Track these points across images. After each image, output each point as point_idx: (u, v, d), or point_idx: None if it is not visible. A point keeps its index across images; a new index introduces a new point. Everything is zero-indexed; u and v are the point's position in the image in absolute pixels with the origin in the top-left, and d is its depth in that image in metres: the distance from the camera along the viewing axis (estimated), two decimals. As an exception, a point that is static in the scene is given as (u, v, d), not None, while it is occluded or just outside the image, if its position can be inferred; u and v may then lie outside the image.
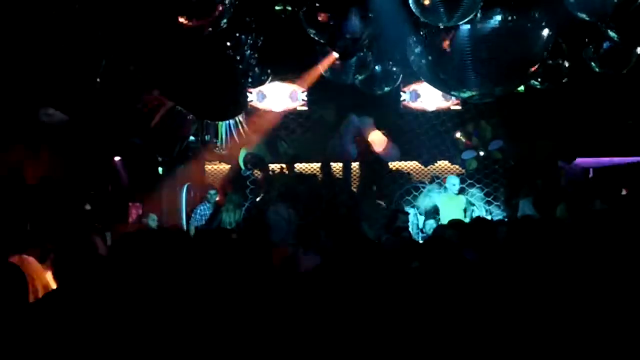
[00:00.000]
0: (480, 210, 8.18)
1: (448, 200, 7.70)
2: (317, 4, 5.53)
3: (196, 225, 8.03)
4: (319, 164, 8.95)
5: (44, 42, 5.36)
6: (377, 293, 2.25)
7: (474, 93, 5.57)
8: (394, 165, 9.05)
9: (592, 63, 6.47)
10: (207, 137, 7.89)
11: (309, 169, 9.11)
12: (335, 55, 6.45)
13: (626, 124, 8.10)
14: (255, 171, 8.74)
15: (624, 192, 7.69)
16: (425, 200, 7.97)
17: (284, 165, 8.90)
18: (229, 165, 9.06)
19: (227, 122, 7.68)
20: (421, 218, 7.85)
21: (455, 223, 4.32)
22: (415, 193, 8.46)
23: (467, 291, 2.54)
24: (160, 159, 8.26)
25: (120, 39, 5.65)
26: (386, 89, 7.30)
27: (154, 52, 5.79)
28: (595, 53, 6.38)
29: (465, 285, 2.61)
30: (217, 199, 8.18)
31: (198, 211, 8.12)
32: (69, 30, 5.33)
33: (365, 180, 8.90)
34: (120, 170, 8.51)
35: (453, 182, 7.72)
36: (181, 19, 4.99)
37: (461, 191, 7.96)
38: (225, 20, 5.15)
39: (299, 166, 9.03)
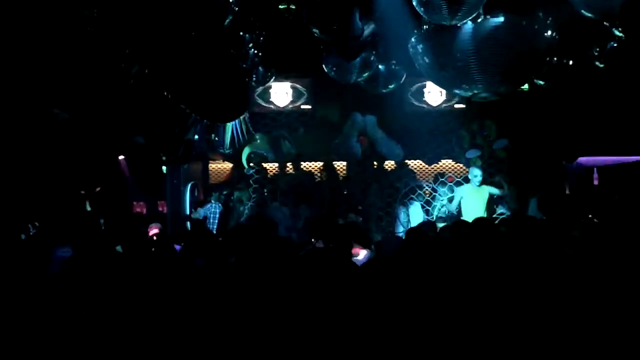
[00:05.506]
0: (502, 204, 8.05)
1: (472, 191, 7.64)
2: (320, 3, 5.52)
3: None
4: (321, 163, 8.92)
5: (49, 42, 5.38)
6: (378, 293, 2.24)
7: (478, 91, 5.54)
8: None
9: (597, 62, 6.42)
10: (212, 137, 7.90)
11: (312, 168, 9.08)
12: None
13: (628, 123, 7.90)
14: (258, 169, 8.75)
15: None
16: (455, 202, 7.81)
17: (288, 165, 8.88)
18: (233, 164, 9.06)
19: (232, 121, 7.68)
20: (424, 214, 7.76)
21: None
22: (419, 192, 8.41)
23: (465, 290, 2.52)
24: (164, 158, 8.27)
25: (125, 39, 5.65)
26: (390, 87, 7.28)
27: (159, 52, 5.80)
28: (600, 52, 6.33)
29: (461, 284, 2.59)
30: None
31: (210, 212, 8.17)
32: (72, 30, 5.35)
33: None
34: (124, 169, 8.52)
35: (475, 174, 7.66)
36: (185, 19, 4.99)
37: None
38: (229, 20, 5.15)
39: (303, 165, 9.01)
